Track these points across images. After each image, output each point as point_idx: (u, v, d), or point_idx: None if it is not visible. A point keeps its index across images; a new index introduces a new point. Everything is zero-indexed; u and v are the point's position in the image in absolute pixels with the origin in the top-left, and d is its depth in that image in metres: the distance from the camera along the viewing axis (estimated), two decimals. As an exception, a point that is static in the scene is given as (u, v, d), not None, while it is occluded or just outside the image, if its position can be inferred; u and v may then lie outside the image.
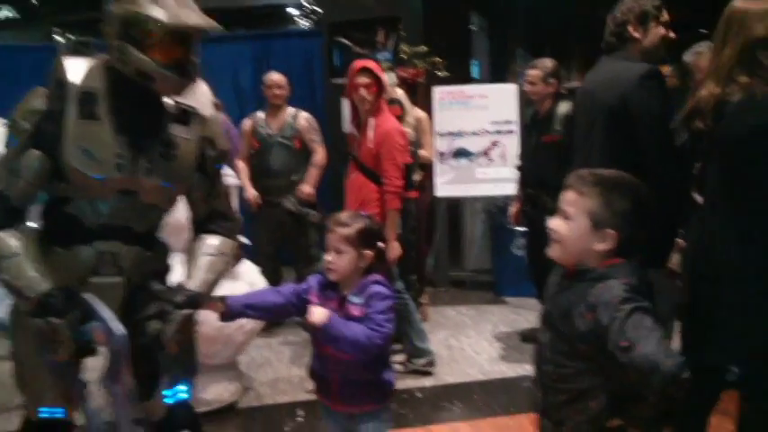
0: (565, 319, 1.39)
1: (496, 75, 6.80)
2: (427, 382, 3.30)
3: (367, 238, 1.77)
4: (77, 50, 1.78)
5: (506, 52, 7.22)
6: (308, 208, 3.99)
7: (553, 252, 1.46)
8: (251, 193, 4.05)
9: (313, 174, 4.06)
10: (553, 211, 1.48)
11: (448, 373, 3.42)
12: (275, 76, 4.11)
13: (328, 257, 1.77)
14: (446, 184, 4.90)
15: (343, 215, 1.84)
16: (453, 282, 5.22)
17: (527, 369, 3.12)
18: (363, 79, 3.14)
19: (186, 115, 1.80)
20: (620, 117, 2.09)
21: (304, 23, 8.65)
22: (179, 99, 1.80)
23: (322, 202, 4.15)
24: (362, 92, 3.14)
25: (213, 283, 1.78)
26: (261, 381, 3.38)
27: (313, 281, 1.85)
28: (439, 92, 4.91)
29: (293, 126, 4.07)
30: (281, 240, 4.12)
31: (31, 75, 1.87)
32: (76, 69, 1.68)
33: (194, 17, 1.61)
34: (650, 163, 2.01)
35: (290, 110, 4.13)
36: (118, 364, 1.59)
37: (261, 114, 4.16)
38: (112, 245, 1.72)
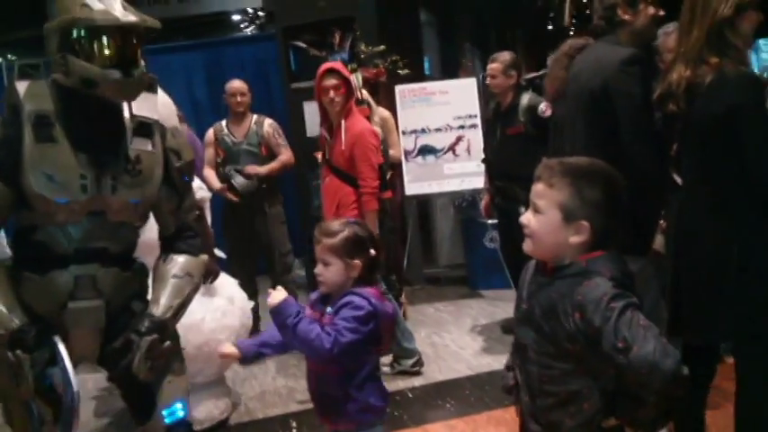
0: (549, 319, 1.33)
1: (447, 70, 6.85)
2: (417, 381, 3.28)
3: (354, 246, 1.69)
4: (26, 73, 1.74)
5: (455, 47, 7.28)
6: (245, 180, 3.82)
7: (527, 247, 1.39)
8: (218, 187, 3.85)
9: (272, 164, 3.91)
10: (525, 201, 1.44)
11: (436, 371, 3.41)
12: (237, 84, 4.02)
13: (317, 269, 1.72)
14: (414, 182, 4.90)
15: (330, 224, 1.75)
16: (428, 279, 5.23)
17: (514, 360, 3.12)
18: (331, 81, 3.11)
19: (147, 128, 1.77)
20: (601, 102, 2.10)
21: (249, 30, 8.53)
22: (140, 113, 1.76)
23: (289, 206, 4.09)
24: (331, 94, 3.10)
25: (180, 307, 1.78)
26: (248, 395, 3.31)
27: (313, 296, 1.81)
28: (400, 90, 4.90)
29: (258, 133, 3.98)
30: (252, 247, 4.01)
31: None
32: (28, 92, 1.65)
33: (129, 15, 1.60)
34: (630, 148, 2.02)
35: (254, 117, 4.05)
36: (69, 418, 1.59)
37: (223, 123, 4.06)
38: (89, 268, 1.69)
